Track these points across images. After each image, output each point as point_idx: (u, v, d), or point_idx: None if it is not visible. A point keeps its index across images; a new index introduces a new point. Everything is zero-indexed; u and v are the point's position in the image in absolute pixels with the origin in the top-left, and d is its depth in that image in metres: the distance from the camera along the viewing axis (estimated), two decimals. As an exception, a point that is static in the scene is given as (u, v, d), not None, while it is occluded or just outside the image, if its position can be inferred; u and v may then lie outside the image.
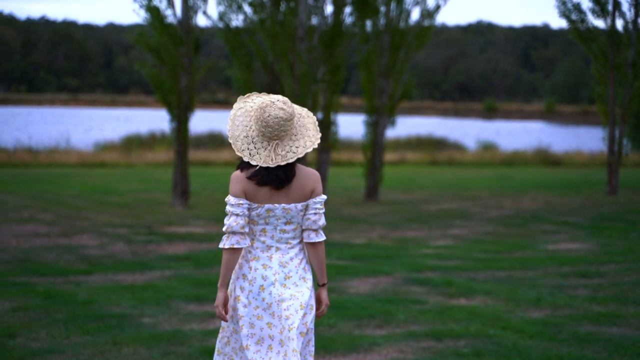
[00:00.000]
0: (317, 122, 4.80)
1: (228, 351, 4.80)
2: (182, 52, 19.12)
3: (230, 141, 4.61)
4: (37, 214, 17.22)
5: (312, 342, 4.78)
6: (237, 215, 4.58)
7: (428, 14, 21.58)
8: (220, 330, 4.86)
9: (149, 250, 12.91)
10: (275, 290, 4.62)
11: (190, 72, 19.33)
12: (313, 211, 4.69)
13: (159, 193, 21.96)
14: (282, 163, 4.55)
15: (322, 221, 4.74)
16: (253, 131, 4.61)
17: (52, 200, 19.76)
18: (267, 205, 4.61)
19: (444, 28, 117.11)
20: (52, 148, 35.69)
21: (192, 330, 8.14)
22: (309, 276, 4.76)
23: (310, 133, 4.69)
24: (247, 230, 4.62)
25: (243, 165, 4.65)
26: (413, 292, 10.08)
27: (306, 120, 4.74)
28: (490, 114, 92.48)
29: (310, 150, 4.63)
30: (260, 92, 17.45)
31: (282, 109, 4.56)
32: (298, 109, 4.79)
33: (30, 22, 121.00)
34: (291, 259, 4.68)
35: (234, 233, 4.59)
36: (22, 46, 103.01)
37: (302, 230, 4.74)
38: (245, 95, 4.80)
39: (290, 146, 4.59)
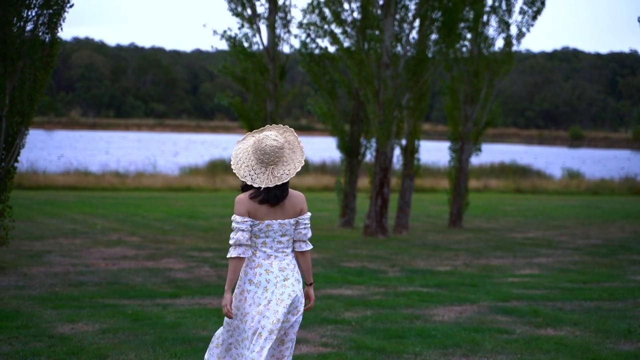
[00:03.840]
0: (303, 147, 5.87)
1: (232, 341, 5.81)
2: (267, 79, 19.34)
3: (234, 171, 5.72)
4: (124, 237, 17.55)
5: (296, 331, 5.79)
6: (242, 230, 5.65)
7: (512, 41, 21.43)
8: (224, 325, 5.83)
9: (234, 275, 12.99)
10: (277, 290, 5.67)
11: (275, 98, 19.52)
12: (303, 226, 5.81)
13: (243, 218, 22.11)
14: (279, 183, 5.65)
15: (310, 234, 5.87)
16: (252, 161, 5.72)
17: (139, 224, 20.12)
18: (266, 222, 5.68)
19: (529, 54, 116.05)
20: (139, 172, 36.38)
21: (277, 355, 8.16)
22: (301, 278, 5.82)
23: (297, 157, 5.78)
24: (250, 242, 5.68)
25: (246, 189, 5.73)
26: (499, 321, 9.95)
27: (296, 147, 5.86)
28: (575, 141, 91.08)
29: (298, 169, 5.70)
30: (344, 118, 17.66)
31: (275, 139, 5.70)
32: (290, 137, 5.91)
33: (119, 49, 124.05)
34: (287, 264, 5.75)
35: (240, 245, 5.66)
36: (111, 72, 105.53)
37: (294, 242, 5.84)
38: (242, 138, 5.90)
39: (284, 170, 5.69)
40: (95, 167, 37.92)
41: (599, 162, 58.38)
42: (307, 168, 40.93)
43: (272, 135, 5.72)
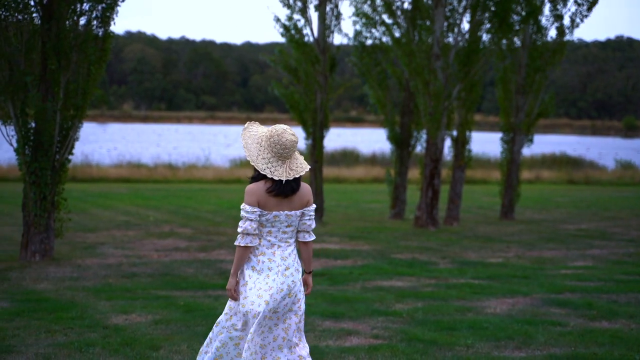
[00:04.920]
0: None
1: (228, 325, 5.95)
2: (318, 70, 19.35)
3: (252, 163, 5.82)
4: (176, 228, 17.69)
5: (303, 320, 5.99)
6: (251, 220, 5.78)
7: (564, 30, 21.12)
8: (226, 311, 5.98)
9: (285, 266, 13.02)
10: (277, 278, 5.82)
11: (325, 90, 19.52)
12: (308, 217, 5.96)
13: (294, 209, 22.16)
14: (297, 176, 5.82)
15: (314, 225, 6.03)
16: (267, 154, 5.83)
17: (190, 216, 20.26)
18: (274, 212, 5.81)
19: (582, 44, 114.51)
20: (191, 164, 36.64)
21: (328, 346, 8.18)
22: (300, 268, 5.99)
23: (298, 155, 5.94)
24: (257, 232, 5.83)
25: (258, 179, 5.84)
26: (552, 313, 9.85)
27: None
28: (630, 132, 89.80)
29: (308, 168, 5.89)
30: (394, 109, 17.70)
31: (292, 134, 5.85)
32: None
33: (171, 42, 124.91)
34: (289, 254, 5.90)
35: (248, 234, 5.80)
36: (163, 65, 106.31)
37: (298, 232, 6.00)
38: (246, 126, 6.00)
39: (297, 164, 5.86)
40: (148, 159, 38.26)
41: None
42: (358, 159, 40.89)
43: (288, 130, 5.85)
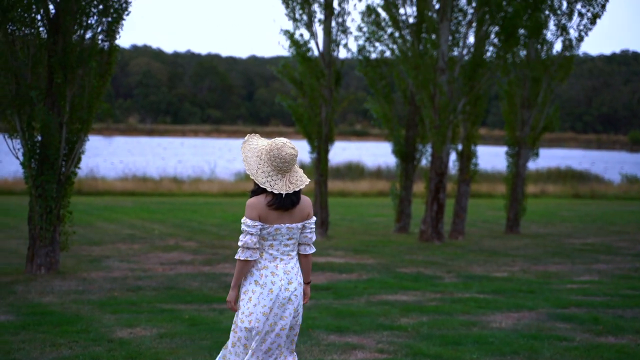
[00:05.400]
0: None
1: (235, 340, 5.92)
2: (323, 84, 19.38)
3: (252, 177, 5.84)
4: (181, 242, 17.69)
5: (298, 331, 6.06)
6: (251, 234, 5.78)
7: (570, 44, 21.15)
8: (233, 327, 5.95)
9: (290, 280, 13.00)
10: (281, 293, 5.86)
11: (330, 103, 19.54)
12: (309, 230, 6.00)
13: (299, 223, 22.14)
14: (297, 189, 5.83)
15: (315, 237, 6.07)
16: (267, 167, 5.84)
17: (195, 229, 20.26)
18: (275, 225, 5.82)
19: (587, 58, 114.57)
20: (196, 178, 36.67)
21: (333, 360, 8.17)
22: (302, 281, 6.04)
23: (298, 168, 5.95)
24: (258, 246, 5.83)
25: (258, 193, 5.84)
26: (558, 328, 9.82)
27: None
28: (635, 146, 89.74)
29: (308, 182, 5.89)
30: (400, 122, 17.66)
31: (292, 147, 5.86)
32: None
33: (176, 56, 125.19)
34: (292, 267, 5.94)
35: (248, 248, 5.80)
36: (168, 79, 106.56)
37: (299, 245, 6.03)
38: (246, 139, 6.00)
39: (297, 177, 5.88)
40: (153, 172, 38.31)
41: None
42: (362, 173, 40.88)
43: (288, 143, 5.87)
